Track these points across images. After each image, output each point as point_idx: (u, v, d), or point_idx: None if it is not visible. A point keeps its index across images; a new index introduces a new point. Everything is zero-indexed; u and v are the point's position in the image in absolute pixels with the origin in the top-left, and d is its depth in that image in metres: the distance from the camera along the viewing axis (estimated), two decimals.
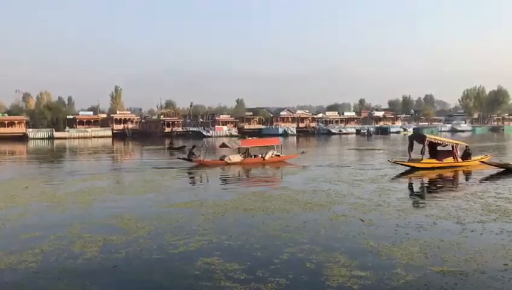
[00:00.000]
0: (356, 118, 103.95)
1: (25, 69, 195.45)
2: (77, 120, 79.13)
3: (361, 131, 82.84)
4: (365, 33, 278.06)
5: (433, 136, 22.24)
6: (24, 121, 74.72)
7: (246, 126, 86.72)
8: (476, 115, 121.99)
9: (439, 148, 21.04)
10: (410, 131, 76.35)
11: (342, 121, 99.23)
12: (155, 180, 17.41)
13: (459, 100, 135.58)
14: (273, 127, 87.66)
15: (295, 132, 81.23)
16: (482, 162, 20.26)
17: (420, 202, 12.59)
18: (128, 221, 9.97)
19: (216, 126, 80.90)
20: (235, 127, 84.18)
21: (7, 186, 16.09)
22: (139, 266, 6.91)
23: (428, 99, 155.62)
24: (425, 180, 17.37)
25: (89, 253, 7.55)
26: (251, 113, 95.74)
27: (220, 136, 72.68)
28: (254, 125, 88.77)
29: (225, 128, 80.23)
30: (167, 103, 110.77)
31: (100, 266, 6.94)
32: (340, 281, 6.09)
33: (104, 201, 12.90)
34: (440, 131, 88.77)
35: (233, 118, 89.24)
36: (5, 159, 33.01)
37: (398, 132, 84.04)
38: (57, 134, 70.94)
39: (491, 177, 17.36)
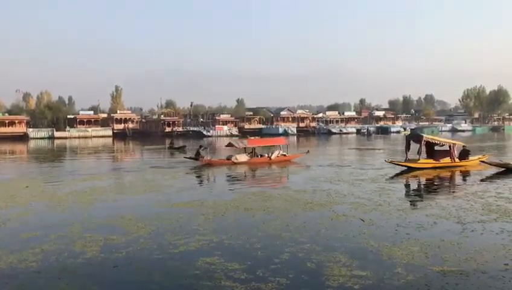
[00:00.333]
0: (356, 118, 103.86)
1: (25, 69, 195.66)
2: (78, 120, 79.08)
3: (362, 131, 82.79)
4: (365, 33, 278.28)
5: (430, 136, 22.12)
6: (24, 121, 74.70)
7: (246, 126, 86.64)
8: (476, 115, 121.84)
9: (436, 148, 20.95)
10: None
11: (342, 120, 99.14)
12: (155, 180, 17.41)
13: (459, 100, 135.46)
14: (274, 126, 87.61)
15: (295, 132, 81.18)
16: (482, 161, 20.23)
17: (420, 201, 12.58)
18: (129, 221, 9.97)
19: (216, 126, 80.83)
20: (236, 126, 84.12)
21: (8, 186, 16.09)
22: (140, 266, 6.91)
23: (429, 99, 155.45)
24: (426, 180, 17.35)
25: (90, 253, 7.56)
26: (251, 113, 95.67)
27: (220, 136, 72.75)
28: (254, 125, 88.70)
29: (225, 128, 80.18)
30: (167, 102, 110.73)
31: (100, 266, 6.94)
32: (340, 280, 6.09)
33: (105, 201, 12.91)
34: (440, 131, 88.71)
35: (233, 118, 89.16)
36: (5, 159, 33.02)
37: (398, 132, 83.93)
38: (57, 134, 70.89)
39: (491, 177, 17.35)
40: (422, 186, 16.47)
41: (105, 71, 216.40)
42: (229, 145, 24.40)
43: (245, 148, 24.08)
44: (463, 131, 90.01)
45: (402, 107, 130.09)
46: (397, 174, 18.43)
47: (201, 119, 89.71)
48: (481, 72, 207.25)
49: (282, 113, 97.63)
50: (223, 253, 7.40)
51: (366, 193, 13.55)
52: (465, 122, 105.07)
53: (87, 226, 9.54)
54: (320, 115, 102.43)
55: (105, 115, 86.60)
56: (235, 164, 22.56)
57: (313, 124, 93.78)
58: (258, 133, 70.01)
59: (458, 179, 18.03)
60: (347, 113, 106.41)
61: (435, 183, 16.83)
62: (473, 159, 21.18)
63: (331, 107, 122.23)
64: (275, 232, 8.77)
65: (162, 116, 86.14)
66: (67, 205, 12.18)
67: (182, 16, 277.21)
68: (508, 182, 15.79)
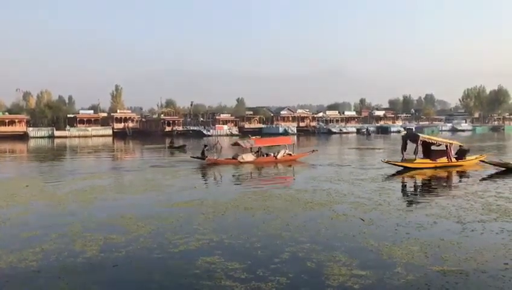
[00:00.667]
0: (357, 118, 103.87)
1: (25, 68, 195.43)
2: (78, 119, 79.12)
3: (361, 130, 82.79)
4: (365, 33, 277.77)
5: (427, 136, 21.99)
6: (25, 120, 74.71)
7: (247, 125, 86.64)
8: (476, 115, 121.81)
9: (433, 147, 20.83)
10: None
11: (342, 120, 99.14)
12: (155, 179, 17.41)
13: (459, 100, 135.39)
14: (274, 126, 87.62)
15: (295, 131, 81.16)
16: (482, 161, 20.21)
17: (420, 201, 12.58)
18: (129, 220, 9.98)
19: (216, 125, 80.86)
20: (236, 126, 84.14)
21: (8, 185, 16.10)
22: (140, 265, 6.91)
23: (429, 98, 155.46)
24: (425, 180, 17.35)
25: (90, 252, 7.56)
26: (251, 113, 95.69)
27: (220, 135, 72.69)
28: (254, 125, 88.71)
29: (225, 127, 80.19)
30: (167, 102, 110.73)
31: (100, 265, 6.94)
32: (340, 280, 6.10)
33: (105, 200, 12.91)
34: (441, 130, 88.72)
35: (233, 117, 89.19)
36: (5, 158, 33.02)
37: (398, 132, 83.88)
38: (57, 133, 70.91)
39: (491, 177, 17.35)
40: (422, 186, 16.46)
41: (105, 71, 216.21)
42: (236, 144, 24.59)
43: (251, 147, 24.17)
44: (463, 131, 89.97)
45: (402, 107, 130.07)
46: (397, 174, 18.42)
47: (202, 119, 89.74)
48: (481, 72, 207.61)
49: (282, 112, 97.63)
50: (223, 252, 7.40)
51: (366, 193, 13.55)
52: (465, 122, 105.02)
53: (87, 225, 9.55)
54: (321, 114, 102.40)
55: (105, 114, 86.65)
56: (241, 163, 22.64)
57: (313, 123, 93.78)
58: (258, 132, 69.92)
59: (457, 178, 18.02)
60: (347, 113, 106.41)
61: (435, 183, 16.83)
62: (470, 158, 21.13)
63: (331, 107, 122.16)
64: (275, 232, 8.77)
65: (162, 115, 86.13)
66: (67, 204, 12.18)
67: (182, 16, 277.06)
68: (508, 181, 15.79)
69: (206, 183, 17.27)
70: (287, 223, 9.47)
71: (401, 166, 19.60)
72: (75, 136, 70.46)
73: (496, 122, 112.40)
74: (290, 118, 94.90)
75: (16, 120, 73.58)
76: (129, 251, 7.60)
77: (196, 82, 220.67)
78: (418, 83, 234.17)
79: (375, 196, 12.89)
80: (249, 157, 23.28)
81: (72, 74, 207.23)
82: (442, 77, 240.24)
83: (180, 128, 79.33)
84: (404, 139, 21.04)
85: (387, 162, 20.25)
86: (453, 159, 20.31)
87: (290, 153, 24.80)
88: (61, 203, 12.34)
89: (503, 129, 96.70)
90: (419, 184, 16.78)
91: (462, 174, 18.57)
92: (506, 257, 7.07)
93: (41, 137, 68.67)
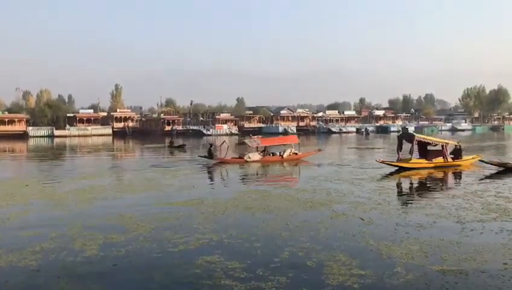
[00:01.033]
0: (356, 117, 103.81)
1: (25, 68, 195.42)
2: (77, 118, 79.02)
3: (360, 130, 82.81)
4: (365, 33, 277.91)
5: (422, 136, 21.88)
6: (24, 119, 74.63)
7: (246, 125, 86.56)
8: (476, 114, 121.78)
9: (429, 147, 20.71)
10: (410, 130, 76.31)
11: (342, 120, 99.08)
12: (155, 178, 17.41)
13: (459, 99, 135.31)
14: (273, 125, 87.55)
15: (295, 131, 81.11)
16: (482, 161, 20.19)
17: (420, 201, 12.58)
18: (129, 219, 9.98)
19: (216, 125, 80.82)
20: (235, 125, 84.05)
21: (7, 185, 16.09)
22: (139, 265, 6.91)
23: (429, 98, 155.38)
24: (425, 180, 17.35)
25: (89, 251, 7.56)
26: (251, 112, 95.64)
27: (220, 135, 72.65)
28: (254, 124, 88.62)
29: (225, 126, 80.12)
30: (167, 101, 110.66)
31: (100, 264, 6.94)
32: (340, 279, 6.10)
33: (104, 199, 12.91)
34: (440, 130, 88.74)
35: (233, 117, 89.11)
36: (5, 157, 33.01)
37: (398, 131, 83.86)
38: (57, 132, 70.84)
39: (490, 177, 17.35)
40: (421, 185, 16.46)
41: (105, 71, 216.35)
42: (242, 143, 24.82)
43: (257, 146, 24.31)
44: (463, 130, 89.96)
45: (402, 107, 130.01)
46: (396, 174, 18.41)
47: (201, 118, 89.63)
48: (481, 72, 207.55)
49: (282, 112, 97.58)
50: (223, 252, 7.40)
51: (365, 192, 13.55)
52: (465, 122, 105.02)
53: (86, 224, 9.55)
54: (320, 114, 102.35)
55: (105, 114, 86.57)
56: (247, 162, 22.78)
57: (313, 123, 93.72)
58: (257, 132, 69.84)
59: (456, 178, 18.01)
60: (347, 113, 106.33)
61: (434, 182, 16.84)
62: (467, 158, 21.08)
63: (331, 107, 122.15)
64: (274, 231, 8.77)
65: (162, 114, 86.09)
66: (67, 203, 12.18)
67: (182, 16, 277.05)
68: (508, 181, 15.80)
69: (205, 183, 17.26)
70: (287, 223, 9.47)
71: (397, 166, 19.46)
72: (74, 136, 70.39)
73: (495, 122, 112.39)
74: (290, 118, 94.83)
75: (16, 119, 73.51)
76: (129, 250, 7.60)
77: (196, 82, 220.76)
78: (418, 83, 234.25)
79: (375, 196, 12.90)
80: (255, 156, 23.47)
81: (72, 73, 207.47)
82: (442, 76, 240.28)
83: (180, 127, 79.24)
84: (400, 139, 20.92)
85: (382, 162, 20.10)
86: (449, 159, 20.21)
87: (295, 152, 24.93)
88: (61, 202, 12.33)
89: (503, 129, 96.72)
90: (419, 184, 16.77)
91: (460, 174, 18.55)
92: (505, 257, 7.07)
93: (41, 136, 68.60)
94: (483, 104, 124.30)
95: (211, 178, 18.56)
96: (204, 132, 74.87)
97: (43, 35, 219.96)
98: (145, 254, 7.46)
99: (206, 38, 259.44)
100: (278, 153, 24.48)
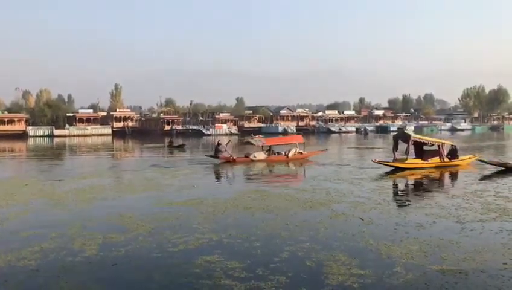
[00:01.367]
0: (356, 117, 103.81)
1: (25, 67, 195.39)
2: (77, 118, 79.01)
3: (360, 130, 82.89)
4: (365, 33, 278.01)
5: (418, 136, 21.79)
6: (24, 119, 74.63)
7: (246, 124, 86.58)
8: (475, 114, 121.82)
9: (425, 147, 20.58)
10: (410, 129, 76.35)
11: (341, 119, 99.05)
12: (155, 178, 17.40)
13: (458, 99, 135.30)
14: (273, 125, 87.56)
15: (295, 131, 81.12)
16: (481, 161, 20.18)
17: (420, 200, 12.58)
18: (128, 219, 9.97)
19: (216, 124, 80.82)
20: (235, 125, 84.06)
21: (7, 184, 16.08)
22: (139, 264, 6.91)
23: (428, 98, 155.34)
24: (424, 179, 17.35)
25: (89, 251, 7.55)
26: (251, 112, 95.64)
27: (219, 135, 72.65)
28: (254, 124, 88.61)
29: (225, 126, 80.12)
30: (167, 101, 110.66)
31: (100, 264, 6.94)
32: (339, 279, 6.10)
33: (104, 199, 12.90)
34: (440, 130, 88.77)
35: (233, 117, 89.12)
36: (4, 157, 32.99)
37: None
38: (56, 132, 70.82)
39: (490, 176, 17.36)
40: (421, 185, 16.45)
41: (105, 70, 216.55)
42: (247, 143, 24.92)
43: (262, 146, 24.45)
44: (462, 130, 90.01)
45: (401, 106, 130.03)
46: (396, 174, 18.41)
47: (201, 118, 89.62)
48: (481, 72, 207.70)
49: (281, 112, 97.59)
50: (223, 252, 7.40)
51: (365, 192, 13.55)
52: (465, 122, 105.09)
53: (86, 224, 9.54)
54: (320, 113, 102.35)
55: (104, 114, 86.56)
56: (253, 161, 22.90)
57: (313, 123, 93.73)
58: (257, 131, 69.90)
59: (454, 178, 17.99)
60: (347, 112, 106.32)
61: (433, 182, 16.85)
62: (463, 158, 21.04)
63: (331, 106, 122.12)
64: (274, 231, 8.77)
65: (161, 114, 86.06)
66: (67, 203, 12.17)
67: (182, 16, 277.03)
68: (507, 181, 15.80)
69: (205, 183, 17.24)
70: (287, 223, 9.47)
71: (393, 166, 19.37)
72: (74, 135, 70.38)
73: (495, 122, 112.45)
74: (290, 118, 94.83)
75: (15, 119, 73.50)
76: (128, 250, 7.60)
77: (196, 82, 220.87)
78: (418, 83, 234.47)
79: (375, 196, 12.90)
80: (260, 155, 23.65)
81: (71, 73, 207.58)
82: (441, 76, 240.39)
83: (180, 127, 79.24)
84: (396, 139, 20.79)
85: (378, 162, 19.97)
86: (446, 159, 20.12)
87: (301, 151, 25.02)
88: (61, 202, 12.33)
89: (503, 129, 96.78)
90: (418, 184, 16.77)
91: (459, 174, 18.52)
92: (505, 257, 7.07)
93: (40, 136, 68.59)
94: (483, 104, 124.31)
95: (211, 178, 18.55)
96: (204, 131, 74.88)
97: (43, 35, 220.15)
98: (144, 253, 7.45)
99: (206, 38, 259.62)
100: (283, 153, 24.57)
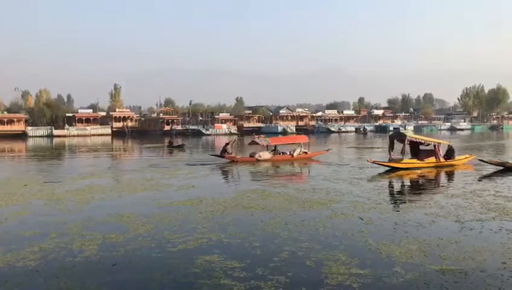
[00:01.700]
0: (355, 117, 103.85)
1: (25, 67, 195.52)
2: (76, 118, 79.03)
3: (359, 129, 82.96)
4: (365, 33, 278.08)
5: (414, 135, 21.73)
6: (23, 119, 74.64)
7: (246, 124, 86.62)
8: (475, 114, 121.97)
9: (421, 147, 20.50)
10: (409, 129, 76.43)
11: (341, 119, 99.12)
12: (154, 178, 17.39)
13: (458, 99, 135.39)
14: (273, 125, 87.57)
15: (294, 130, 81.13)
16: (481, 160, 20.17)
17: (419, 200, 12.58)
18: (128, 219, 9.97)
19: (215, 124, 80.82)
20: (235, 125, 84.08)
21: (6, 184, 16.07)
22: (139, 264, 6.91)
23: (428, 98, 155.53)
24: (423, 179, 17.36)
25: (88, 251, 7.55)
26: (250, 112, 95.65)
27: (219, 134, 72.69)
28: (253, 124, 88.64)
29: (224, 126, 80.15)
30: (166, 101, 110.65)
31: (99, 264, 6.93)
32: (339, 279, 6.10)
33: (103, 199, 12.90)
34: (439, 129, 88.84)
35: (232, 116, 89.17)
36: (4, 157, 32.96)
37: None
38: (56, 132, 70.81)
39: (489, 176, 17.36)
40: (420, 185, 16.45)
41: (105, 70, 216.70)
42: (252, 143, 25.13)
43: (267, 146, 24.61)
44: (462, 130, 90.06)
45: (401, 106, 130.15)
46: (396, 174, 18.41)
47: (201, 118, 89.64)
48: (480, 71, 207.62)
49: (281, 111, 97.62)
50: (222, 251, 7.40)
51: (364, 192, 13.55)
52: (464, 121, 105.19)
53: (85, 224, 9.53)
54: (319, 113, 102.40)
55: (104, 114, 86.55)
56: (258, 161, 23.02)
57: (312, 122, 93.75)
58: (257, 131, 69.94)
59: (454, 178, 17.98)
60: (346, 112, 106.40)
61: (433, 182, 16.85)
62: (459, 158, 21.01)
63: (330, 106, 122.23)
64: (273, 231, 8.77)
65: (161, 114, 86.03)
66: (66, 203, 12.16)
67: (182, 16, 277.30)
68: (507, 180, 15.80)
69: (205, 182, 17.23)
70: (286, 222, 9.47)
71: (388, 166, 19.28)
72: (73, 135, 70.38)
73: (494, 121, 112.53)
74: (289, 117, 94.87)
75: (15, 119, 73.51)
76: (128, 250, 7.59)
77: (196, 81, 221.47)
78: (417, 82, 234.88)
79: (374, 195, 12.90)
80: (266, 155, 23.78)
81: (71, 73, 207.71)
82: (441, 76, 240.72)
83: (179, 127, 79.28)
84: (391, 139, 20.71)
85: (373, 162, 19.89)
86: (442, 159, 20.02)
87: (305, 151, 25.18)
88: (60, 202, 12.32)
89: (502, 128, 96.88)
90: (417, 184, 16.77)
91: (458, 174, 18.50)
92: (504, 256, 7.08)
93: (40, 136, 68.57)
94: (482, 103, 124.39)
95: (211, 178, 18.52)
96: (204, 131, 74.90)
97: (43, 35, 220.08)
98: (144, 253, 7.45)
99: (206, 38, 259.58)
100: (288, 152, 24.70)
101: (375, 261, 6.84)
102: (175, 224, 9.47)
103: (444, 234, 8.41)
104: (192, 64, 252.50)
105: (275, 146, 25.07)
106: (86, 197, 13.00)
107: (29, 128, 71.59)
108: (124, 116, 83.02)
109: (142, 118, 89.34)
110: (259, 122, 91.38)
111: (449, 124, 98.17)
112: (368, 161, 20.57)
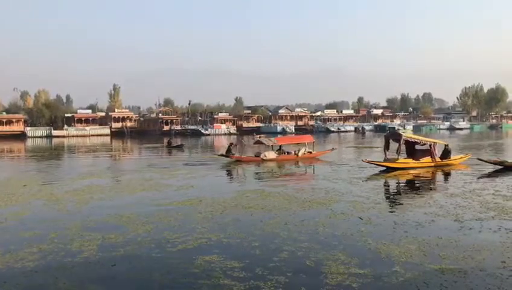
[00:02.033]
0: (355, 116, 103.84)
1: (24, 68, 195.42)
2: (75, 118, 78.90)
3: (358, 129, 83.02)
4: (365, 33, 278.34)
5: (410, 135, 21.65)
6: (22, 120, 74.53)
7: (245, 124, 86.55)
8: (474, 113, 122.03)
9: (417, 147, 20.46)
10: (409, 129, 76.47)
11: (340, 119, 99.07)
12: (153, 178, 17.38)
13: (457, 98, 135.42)
14: (272, 125, 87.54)
15: (293, 130, 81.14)
16: (480, 159, 20.17)
17: (418, 199, 12.59)
18: (127, 219, 9.96)
19: (214, 124, 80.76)
20: (234, 125, 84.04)
21: (5, 185, 16.05)
22: (138, 265, 6.90)
23: (427, 97, 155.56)
24: (423, 179, 17.36)
25: (87, 251, 7.54)
26: (249, 112, 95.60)
27: (218, 134, 72.68)
28: (253, 124, 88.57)
29: (224, 126, 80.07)
30: (165, 101, 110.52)
31: (98, 265, 6.93)
32: (338, 279, 6.10)
33: (103, 199, 12.89)
34: (438, 129, 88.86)
35: (231, 116, 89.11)
36: (3, 158, 32.92)
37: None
38: (55, 132, 70.69)
39: (488, 175, 17.37)
40: (419, 184, 16.45)
41: (104, 70, 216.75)
42: (258, 142, 25.36)
43: (272, 145, 24.71)
44: (461, 129, 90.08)
45: (400, 106, 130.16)
46: (395, 173, 18.41)
47: (200, 118, 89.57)
48: (480, 71, 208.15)
49: (280, 111, 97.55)
50: (222, 251, 7.40)
51: (364, 191, 13.56)
52: (463, 120, 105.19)
53: (85, 224, 9.53)
54: (319, 113, 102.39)
55: (103, 114, 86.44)
56: (263, 161, 23.11)
57: (311, 122, 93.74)
58: (256, 131, 69.94)
59: (453, 177, 17.96)
60: (345, 112, 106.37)
61: (431, 182, 16.85)
62: (455, 158, 20.98)
63: (330, 106, 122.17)
64: (273, 231, 8.77)
65: (160, 114, 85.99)
66: (65, 203, 12.15)
67: (182, 16, 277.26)
68: (506, 179, 15.82)
69: (204, 182, 17.22)
70: (286, 222, 9.47)
71: (384, 166, 19.21)
72: (73, 136, 70.27)
73: (493, 121, 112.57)
74: (288, 117, 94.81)
75: (14, 120, 73.40)
76: (127, 250, 7.59)
77: (195, 81, 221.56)
78: (417, 82, 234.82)
79: (373, 195, 12.91)
80: (271, 155, 23.87)
81: (70, 73, 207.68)
82: (440, 75, 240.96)
83: (178, 127, 79.18)
84: (387, 139, 20.65)
85: (368, 162, 19.84)
86: (437, 159, 19.95)
87: (310, 151, 25.28)
88: (59, 202, 12.31)
89: (501, 127, 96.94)
90: (416, 183, 16.77)
91: (457, 173, 18.49)
92: (503, 255, 7.08)
93: (39, 136, 68.45)
94: (481, 102, 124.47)
95: (210, 178, 18.50)
96: (203, 131, 74.82)
97: (42, 35, 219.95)
98: (144, 254, 7.44)
99: (206, 38, 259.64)
100: (293, 152, 24.79)
101: (374, 261, 6.85)
102: (174, 224, 9.46)
103: (444, 234, 8.41)
104: (192, 64, 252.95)
105: (280, 146, 25.19)
106: (85, 198, 12.99)
107: (28, 128, 71.48)
108: (123, 117, 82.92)
109: (141, 118, 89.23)
110: (258, 122, 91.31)
111: (448, 123, 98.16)
112: (363, 160, 20.54)
